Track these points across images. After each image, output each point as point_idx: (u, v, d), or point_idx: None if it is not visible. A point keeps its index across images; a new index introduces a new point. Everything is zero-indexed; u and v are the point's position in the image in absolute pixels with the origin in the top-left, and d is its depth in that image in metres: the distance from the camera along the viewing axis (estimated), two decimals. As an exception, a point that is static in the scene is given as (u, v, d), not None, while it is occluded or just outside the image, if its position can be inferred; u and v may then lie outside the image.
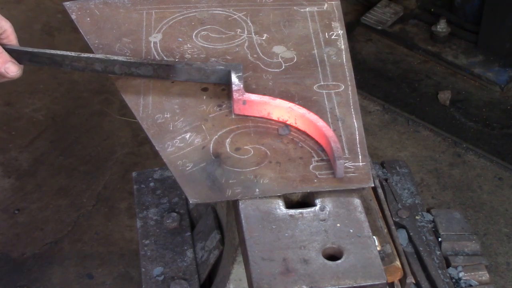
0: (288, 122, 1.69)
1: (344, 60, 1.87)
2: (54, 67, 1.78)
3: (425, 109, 3.84)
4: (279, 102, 1.68)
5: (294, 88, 1.78)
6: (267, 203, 1.56)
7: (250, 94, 1.70)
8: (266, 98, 1.69)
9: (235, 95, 1.69)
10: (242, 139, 1.67)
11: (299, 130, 1.68)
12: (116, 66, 1.76)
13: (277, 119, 1.69)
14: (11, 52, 1.74)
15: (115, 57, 1.76)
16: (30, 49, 1.76)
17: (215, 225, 2.07)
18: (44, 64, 1.77)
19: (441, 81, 3.98)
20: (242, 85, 1.71)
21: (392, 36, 4.20)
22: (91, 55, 1.76)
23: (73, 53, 1.76)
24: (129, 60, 1.75)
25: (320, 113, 1.71)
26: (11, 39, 1.76)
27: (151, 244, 2.10)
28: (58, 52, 1.76)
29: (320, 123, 1.64)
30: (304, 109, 1.67)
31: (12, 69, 1.73)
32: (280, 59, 1.86)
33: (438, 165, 3.57)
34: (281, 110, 1.68)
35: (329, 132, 1.62)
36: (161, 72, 1.76)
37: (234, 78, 1.72)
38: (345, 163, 1.60)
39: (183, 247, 2.09)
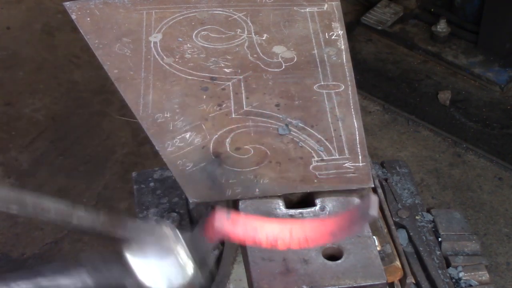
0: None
1: (344, 60, 1.87)
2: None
3: (425, 109, 3.84)
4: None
5: (294, 88, 1.78)
6: (267, 203, 1.55)
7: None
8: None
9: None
10: (242, 139, 1.67)
11: (301, 128, 1.66)
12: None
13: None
14: None
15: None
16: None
17: (215, 225, 2.07)
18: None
19: (441, 81, 3.98)
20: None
21: (392, 36, 4.20)
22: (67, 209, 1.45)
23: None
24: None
25: (320, 113, 1.71)
26: None
27: (151, 244, 2.09)
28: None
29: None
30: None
31: None
32: (280, 59, 1.86)
33: (438, 165, 3.57)
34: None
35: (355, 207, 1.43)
36: None
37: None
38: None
39: (183, 247, 2.09)
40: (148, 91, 1.77)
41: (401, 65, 4.08)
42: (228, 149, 1.64)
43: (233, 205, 1.61)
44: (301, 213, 1.54)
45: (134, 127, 3.69)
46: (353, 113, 1.73)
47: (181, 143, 1.66)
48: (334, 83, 1.81)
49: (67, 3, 1.99)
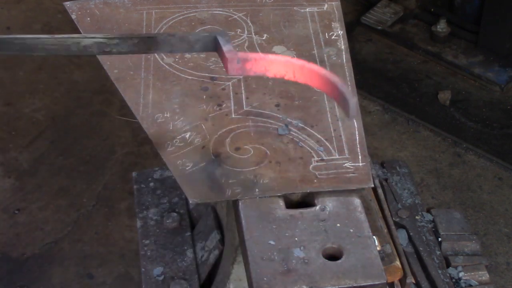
0: (286, 78, 1.56)
1: (344, 60, 1.87)
2: (27, 53, 1.64)
3: (425, 109, 3.84)
4: (275, 57, 1.57)
5: (294, 88, 1.78)
6: (267, 203, 1.56)
7: (243, 52, 1.63)
8: (261, 54, 1.57)
9: (228, 55, 1.56)
10: (242, 139, 1.67)
11: (301, 127, 1.67)
12: (93, 45, 1.62)
13: (273, 76, 1.57)
14: None
15: (92, 35, 1.62)
16: None
17: (215, 225, 2.07)
18: (15, 51, 1.63)
19: (441, 81, 3.98)
20: (231, 47, 1.59)
21: (392, 36, 4.20)
22: (65, 36, 1.62)
23: (45, 36, 1.61)
24: (106, 37, 1.62)
25: (320, 113, 1.71)
26: None
27: (151, 244, 2.09)
28: (29, 36, 1.61)
29: (322, 71, 1.57)
30: (302, 60, 1.56)
31: None
32: (280, 59, 1.86)
33: (438, 165, 3.57)
34: (277, 65, 1.56)
35: (333, 77, 1.51)
36: (142, 46, 1.63)
37: (222, 41, 1.61)
38: (355, 103, 1.57)
39: (183, 247, 2.09)
40: (148, 91, 1.77)
41: (401, 65, 4.08)
42: (228, 149, 1.64)
43: (233, 205, 1.62)
44: (301, 213, 1.54)
45: (134, 127, 3.69)
46: (353, 113, 1.73)
47: (181, 143, 1.66)
48: (334, 83, 1.80)
49: (67, 3, 1.99)
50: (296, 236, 1.50)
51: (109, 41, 1.61)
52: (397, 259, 1.88)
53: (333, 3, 2.01)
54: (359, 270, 1.45)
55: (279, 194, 1.57)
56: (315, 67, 1.54)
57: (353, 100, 1.48)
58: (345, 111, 1.49)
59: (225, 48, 1.58)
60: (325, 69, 1.55)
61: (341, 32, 1.94)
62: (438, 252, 2.10)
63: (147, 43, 1.62)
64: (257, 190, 1.56)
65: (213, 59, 1.85)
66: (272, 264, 1.45)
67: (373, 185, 1.64)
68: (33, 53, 1.65)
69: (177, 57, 1.85)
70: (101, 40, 1.62)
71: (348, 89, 1.50)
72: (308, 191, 1.58)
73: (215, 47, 1.61)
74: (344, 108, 1.50)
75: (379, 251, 1.66)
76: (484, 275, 2.08)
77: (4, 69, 4.00)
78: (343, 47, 1.90)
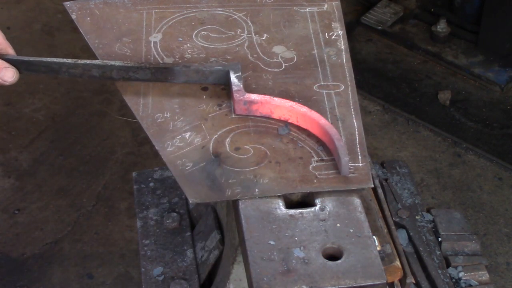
0: (290, 121, 1.68)
1: (344, 60, 1.87)
2: (51, 74, 1.75)
3: (425, 109, 3.84)
4: (280, 101, 1.68)
5: (294, 88, 1.78)
6: (267, 203, 1.56)
7: (250, 94, 1.70)
8: (267, 98, 1.69)
9: (236, 96, 1.69)
10: (242, 139, 1.67)
11: (301, 128, 1.68)
12: (113, 71, 1.74)
13: (278, 118, 1.69)
14: (7, 62, 1.72)
15: (112, 63, 1.74)
16: (26, 58, 1.72)
17: (215, 225, 2.07)
18: (41, 72, 1.74)
19: (441, 81, 3.98)
20: (242, 85, 1.71)
21: (392, 36, 4.20)
22: (88, 61, 1.74)
23: (69, 60, 1.73)
24: (126, 65, 1.74)
25: (320, 113, 1.71)
26: (8, 50, 1.74)
27: (151, 244, 2.10)
28: (55, 59, 1.73)
29: (322, 121, 1.64)
30: (305, 107, 1.67)
31: (8, 75, 1.71)
32: (280, 59, 1.86)
33: (438, 165, 3.57)
34: (282, 109, 1.68)
35: (332, 130, 1.61)
36: (159, 75, 1.75)
37: (233, 79, 1.72)
38: (349, 161, 1.60)
39: (183, 247, 2.09)
40: (148, 91, 1.77)
41: (401, 65, 4.09)
42: (228, 149, 1.64)
43: (233, 205, 1.62)
44: (301, 213, 1.54)
45: (134, 127, 3.69)
46: (353, 113, 1.73)
47: (180, 143, 1.66)
48: (334, 83, 1.81)
49: (67, 3, 1.99)
50: (296, 236, 1.50)
51: (129, 69, 1.74)
52: (397, 259, 1.88)
53: (333, 3, 2.01)
54: (359, 270, 1.45)
55: (279, 194, 1.57)
56: (316, 116, 1.66)
57: (345, 159, 1.58)
58: (338, 166, 1.60)
59: (235, 87, 1.67)
60: (326, 120, 1.66)
61: (341, 32, 1.94)
62: (438, 252, 2.10)
63: (164, 73, 1.72)
64: (257, 190, 1.56)
65: (212, 59, 1.85)
66: (272, 264, 1.45)
67: (373, 185, 1.64)
68: (58, 75, 1.76)
69: (177, 57, 1.85)
70: (121, 67, 1.74)
71: (343, 146, 1.60)
72: (308, 191, 1.58)
73: (228, 81, 1.68)
74: (337, 163, 1.61)
75: (379, 251, 1.66)
76: (484, 275, 2.08)
77: (4, 69, 4.00)
78: (343, 47, 1.90)
